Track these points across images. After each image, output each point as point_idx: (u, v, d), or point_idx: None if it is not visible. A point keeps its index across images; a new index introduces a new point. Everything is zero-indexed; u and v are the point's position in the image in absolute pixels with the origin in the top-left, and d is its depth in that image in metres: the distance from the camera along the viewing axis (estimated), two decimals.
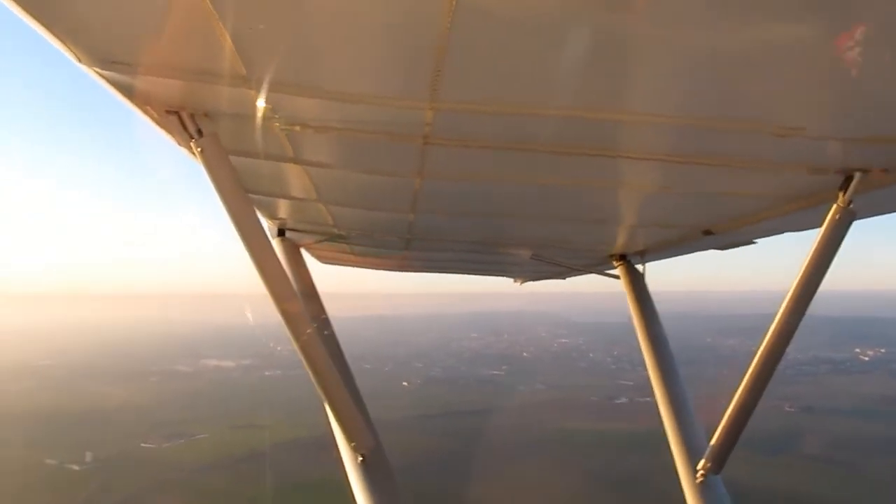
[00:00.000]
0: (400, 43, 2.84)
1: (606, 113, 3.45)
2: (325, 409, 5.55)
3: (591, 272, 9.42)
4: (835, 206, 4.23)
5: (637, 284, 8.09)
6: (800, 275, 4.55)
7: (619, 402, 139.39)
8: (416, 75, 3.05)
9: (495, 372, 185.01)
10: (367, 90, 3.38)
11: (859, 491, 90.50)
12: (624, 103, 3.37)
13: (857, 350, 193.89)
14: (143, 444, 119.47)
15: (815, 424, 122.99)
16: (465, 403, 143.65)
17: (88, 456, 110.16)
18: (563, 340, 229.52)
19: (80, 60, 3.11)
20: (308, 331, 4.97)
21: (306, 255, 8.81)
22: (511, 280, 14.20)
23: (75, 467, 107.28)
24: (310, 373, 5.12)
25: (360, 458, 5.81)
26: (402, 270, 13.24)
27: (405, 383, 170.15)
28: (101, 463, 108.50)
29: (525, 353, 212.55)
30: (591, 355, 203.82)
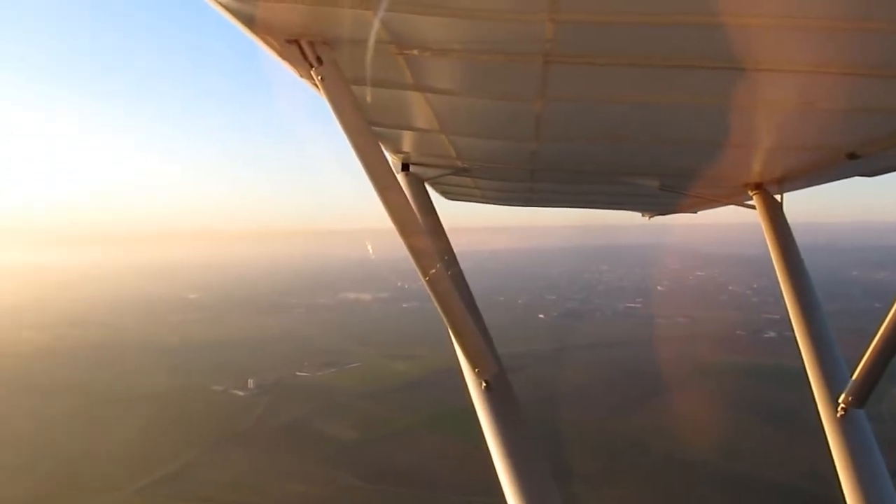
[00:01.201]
0: None
1: (744, 17, 3.09)
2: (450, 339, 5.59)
3: (725, 203, 8.83)
4: None
5: (775, 216, 7.49)
6: None
7: (766, 335, 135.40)
8: None
9: (631, 304, 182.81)
10: (486, 4, 3.21)
11: None
12: (759, 6, 3.03)
13: None
14: (298, 373, 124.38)
15: None
16: (606, 336, 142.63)
17: (251, 383, 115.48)
18: (699, 273, 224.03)
19: None
20: (435, 265, 4.98)
21: (432, 192, 8.49)
22: (639, 214, 13.31)
23: (240, 393, 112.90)
24: (435, 303, 5.17)
25: (484, 385, 5.83)
26: (528, 205, 12.69)
27: (541, 315, 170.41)
28: (263, 389, 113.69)
29: (659, 287, 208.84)
30: (730, 288, 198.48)
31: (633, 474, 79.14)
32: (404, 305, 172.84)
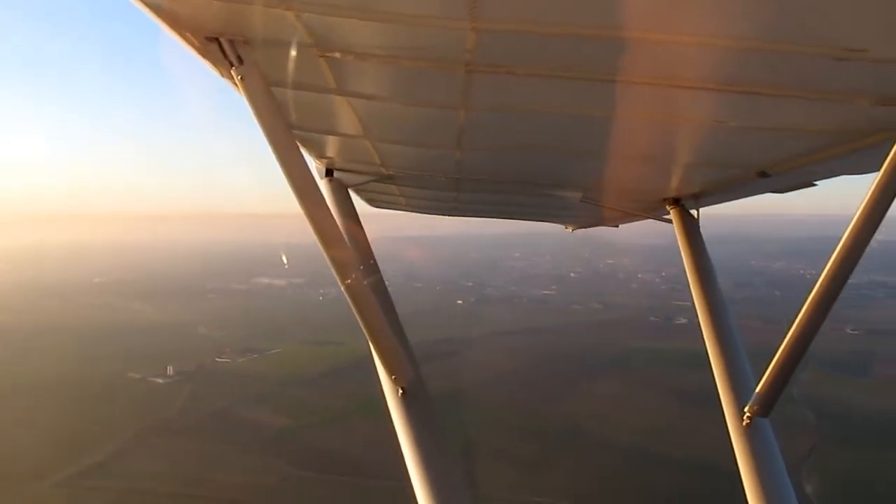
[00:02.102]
0: None
1: (659, 34, 3.16)
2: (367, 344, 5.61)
3: (644, 217, 9.10)
4: None
5: (691, 230, 7.74)
6: (857, 214, 4.26)
7: (679, 322, 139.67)
8: None
9: (546, 291, 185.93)
10: (405, 9, 3.22)
11: None
12: (681, 23, 3.07)
13: None
14: (218, 359, 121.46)
15: (885, 347, 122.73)
16: (524, 322, 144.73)
17: (170, 370, 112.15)
18: (609, 261, 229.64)
19: None
20: (353, 273, 5.01)
21: (357, 199, 8.65)
22: (563, 227, 13.86)
23: (160, 380, 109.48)
24: (353, 310, 5.15)
25: (401, 392, 5.83)
26: (453, 215, 12.86)
27: (459, 301, 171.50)
28: (183, 376, 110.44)
29: (572, 274, 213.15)
30: (639, 276, 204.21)
31: (564, 457, 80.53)
32: (321, 291, 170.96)
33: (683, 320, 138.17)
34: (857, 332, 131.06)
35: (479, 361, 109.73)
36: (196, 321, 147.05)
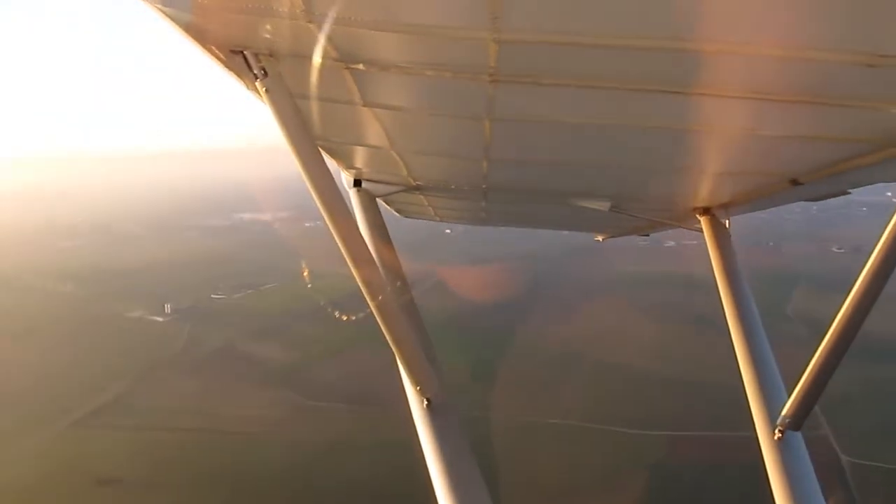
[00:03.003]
0: None
1: (688, 42, 3.11)
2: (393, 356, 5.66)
3: (674, 226, 9.10)
4: None
5: (721, 239, 7.69)
6: (891, 224, 4.24)
7: (667, 245, 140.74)
8: (475, 1, 2.88)
9: None
10: (427, 20, 3.24)
11: None
12: (706, 32, 3.04)
13: (889, 193, 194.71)
14: (213, 296, 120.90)
15: None
16: (518, 249, 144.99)
17: (167, 308, 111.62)
18: None
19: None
20: (380, 283, 5.07)
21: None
22: (593, 236, 13.95)
23: (158, 319, 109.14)
24: (379, 321, 5.19)
25: (426, 403, 5.91)
26: (482, 224, 13.10)
27: (447, 231, 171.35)
28: (182, 314, 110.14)
29: None
30: None
31: (568, 379, 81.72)
32: (307, 224, 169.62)
33: (671, 243, 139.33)
34: (842, 251, 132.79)
35: (474, 288, 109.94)
36: (183, 259, 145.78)
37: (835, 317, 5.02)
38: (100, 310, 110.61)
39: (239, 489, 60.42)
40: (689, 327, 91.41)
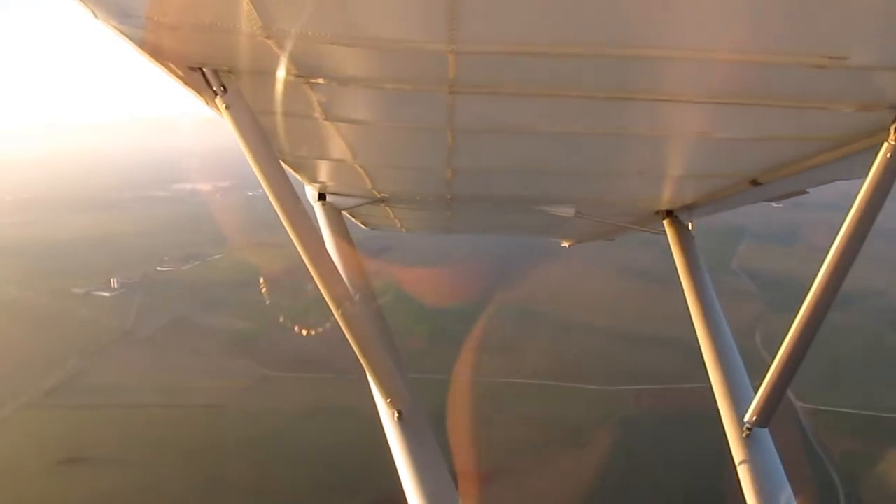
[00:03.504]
0: None
1: (643, 50, 3.23)
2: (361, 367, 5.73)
3: (639, 230, 9.09)
4: (885, 145, 3.93)
5: (685, 241, 7.83)
6: (847, 220, 4.33)
7: None
8: (432, 15, 2.96)
9: None
10: (385, 34, 3.31)
11: None
12: (660, 39, 3.15)
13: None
14: (160, 269, 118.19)
15: (808, 216, 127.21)
16: None
17: (114, 282, 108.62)
18: None
19: (96, 16, 3.09)
20: (347, 297, 5.10)
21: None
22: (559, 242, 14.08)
23: (105, 294, 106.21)
24: (346, 334, 5.23)
25: (397, 415, 5.95)
26: (449, 233, 13.25)
27: None
28: (129, 288, 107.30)
29: None
30: None
31: (532, 339, 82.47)
32: (249, 193, 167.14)
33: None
34: (781, 206, 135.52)
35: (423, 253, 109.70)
36: (125, 232, 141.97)
37: (797, 313, 4.97)
38: (43, 286, 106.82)
39: (210, 462, 59.78)
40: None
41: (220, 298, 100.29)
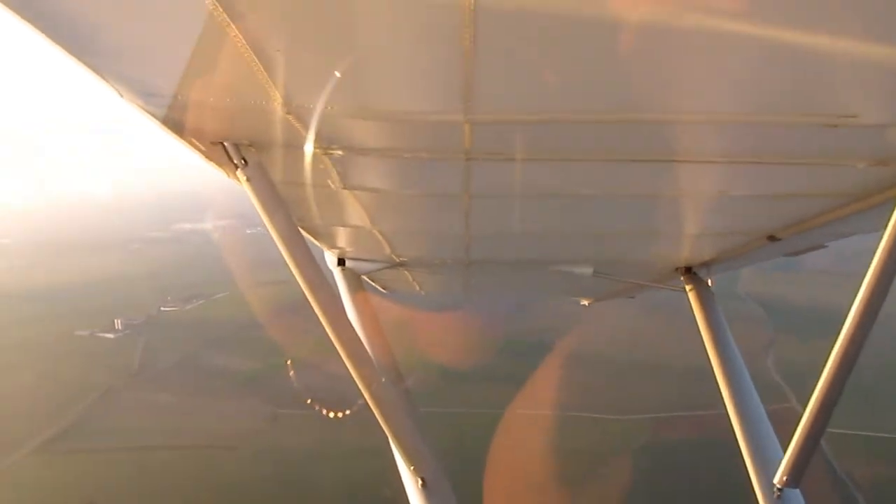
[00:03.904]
0: (427, 56, 2.90)
1: (656, 115, 3.34)
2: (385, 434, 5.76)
3: (658, 286, 9.14)
4: None
5: (705, 297, 7.87)
6: (869, 274, 4.28)
7: None
8: (447, 88, 3.08)
9: None
10: (403, 107, 3.43)
11: None
12: (670, 104, 3.25)
13: None
14: (163, 308, 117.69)
15: None
16: None
17: (118, 323, 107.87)
18: None
19: (121, 96, 3.22)
20: (368, 363, 5.17)
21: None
22: (580, 301, 13.96)
23: (110, 336, 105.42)
24: (368, 399, 5.29)
25: (421, 482, 6.01)
26: (468, 296, 14.26)
27: None
28: (133, 329, 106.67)
29: None
30: None
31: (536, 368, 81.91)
32: (248, 231, 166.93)
33: None
34: None
35: None
36: (127, 274, 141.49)
37: (822, 369, 4.89)
38: (46, 330, 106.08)
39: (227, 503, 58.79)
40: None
41: (226, 337, 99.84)
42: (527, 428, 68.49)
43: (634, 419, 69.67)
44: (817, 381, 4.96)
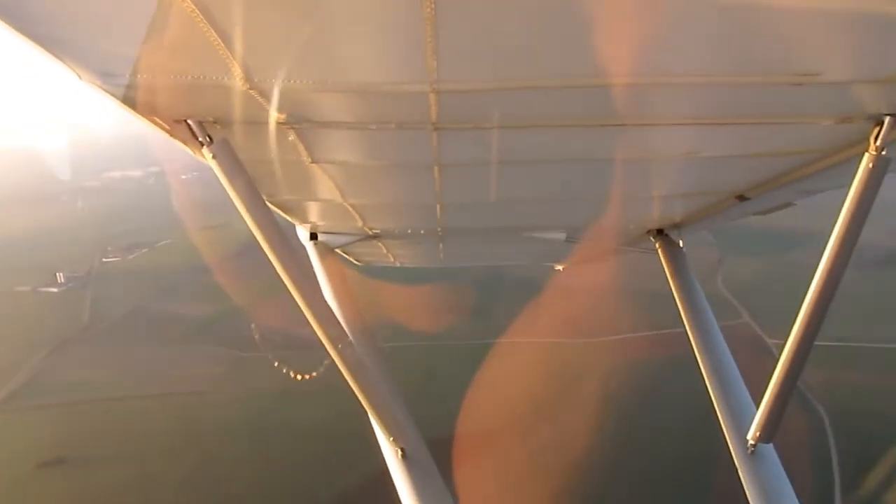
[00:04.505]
0: (390, 25, 2.89)
1: (621, 78, 3.34)
2: (363, 406, 5.83)
3: (630, 250, 9.37)
4: (867, 155, 4.06)
5: (676, 258, 8.02)
6: (836, 229, 4.48)
7: None
8: (411, 57, 3.08)
9: None
10: (367, 78, 3.42)
11: None
12: (638, 66, 3.24)
13: None
14: (105, 259, 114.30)
15: None
16: None
17: (60, 277, 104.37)
18: None
19: (80, 78, 3.24)
20: (344, 337, 5.25)
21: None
22: (554, 266, 14.38)
23: (54, 290, 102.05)
24: (346, 375, 5.36)
25: (400, 452, 6.05)
26: (441, 265, 13.49)
27: None
28: (77, 282, 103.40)
29: None
30: None
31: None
32: (183, 177, 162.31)
33: None
34: None
35: None
36: (60, 226, 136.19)
37: (793, 323, 5.02)
38: None
39: (198, 452, 58.06)
40: None
41: (176, 285, 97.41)
42: (496, 357, 69.09)
43: (602, 341, 70.73)
44: (792, 326, 5.02)
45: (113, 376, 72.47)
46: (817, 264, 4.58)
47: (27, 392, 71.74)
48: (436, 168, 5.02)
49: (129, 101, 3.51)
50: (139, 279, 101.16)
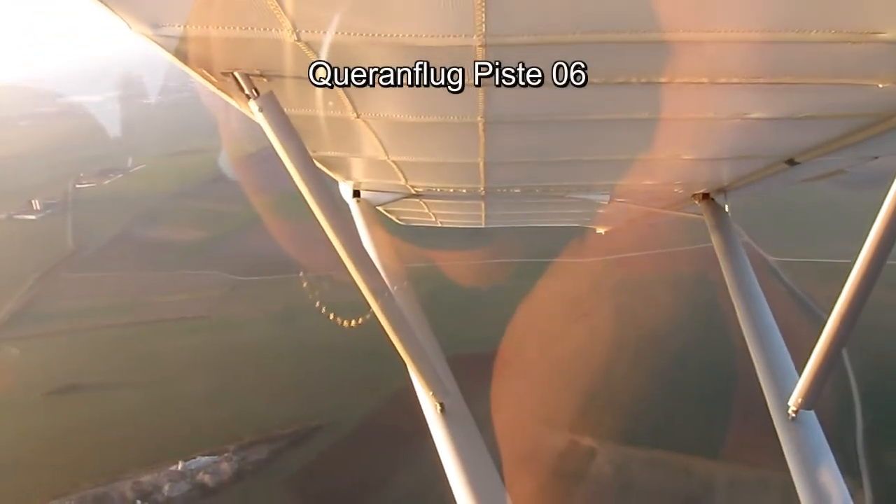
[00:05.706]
0: None
1: (676, 34, 3.31)
2: (403, 361, 5.92)
3: (674, 213, 9.31)
4: None
5: (722, 223, 7.92)
6: (890, 194, 4.44)
7: None
8: (460, 9, 3.12)
9: None
10: (415, 31, 3.46)
11: None
12: (690, 22, 3.21)
13: None
14: (79, 185, 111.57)
15: None
16: None
17: (36, 204, 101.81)
18: None
19: (130, 28, 3.31)
20: (385, 292, 5.29)
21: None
22: (595, 229, 14.32)
23: (31, 217, 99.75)
24: (387, 328, 5.42)
25: (439, 407, 6.12)
26: (483, 226, 13.19)
27: None
28: (54, 208, 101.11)
29: None
30: None
31: None
32: (144, 101, 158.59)
33: None
34: None
35: None
36: (26, 152, 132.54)
37: (841, 291, 5.09)
38: None
39: (213, 376, 58.01)
40: None
41: (159, 209, 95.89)
42: (503, 277, 69.56)
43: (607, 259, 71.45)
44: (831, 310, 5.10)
45: (109, 302, 71.72)
46: (866, 238, 4.55)
47: (20, 322, 70.62)
48: (480, 125, 4.97)
49: (178, 52, 3.54)
50: (119, 204, 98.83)
